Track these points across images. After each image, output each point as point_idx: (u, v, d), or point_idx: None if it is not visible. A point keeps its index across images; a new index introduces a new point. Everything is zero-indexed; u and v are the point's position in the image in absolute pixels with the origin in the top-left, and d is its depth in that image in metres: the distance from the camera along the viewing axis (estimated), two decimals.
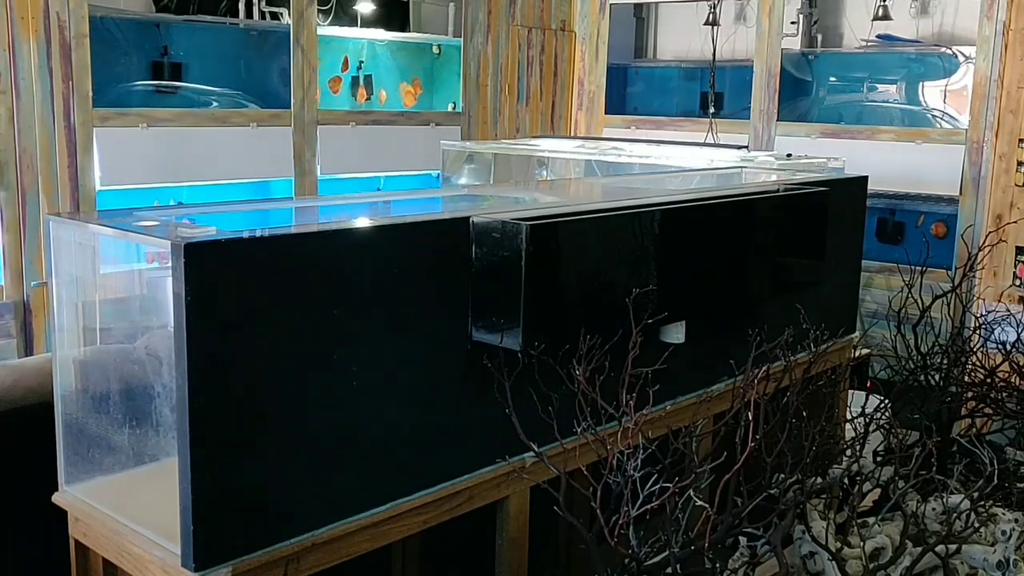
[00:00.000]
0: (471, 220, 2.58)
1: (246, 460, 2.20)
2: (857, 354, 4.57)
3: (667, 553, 2.47)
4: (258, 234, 2.18)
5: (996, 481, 2.99)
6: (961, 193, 6.20)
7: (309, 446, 2.31)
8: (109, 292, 2.53)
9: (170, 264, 2.04)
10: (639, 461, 2.38)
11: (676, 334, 3.12)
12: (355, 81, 7.71)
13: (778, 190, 3.61)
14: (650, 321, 2.63)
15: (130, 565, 2.36)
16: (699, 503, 2.45)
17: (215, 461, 2.13)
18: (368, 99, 7.66)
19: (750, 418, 2.45)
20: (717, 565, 2.57)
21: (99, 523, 2.43)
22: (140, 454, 2.47)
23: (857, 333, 4.34)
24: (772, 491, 2.64)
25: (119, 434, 2.47)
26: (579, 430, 2.51)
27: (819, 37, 9.15)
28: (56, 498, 2.56)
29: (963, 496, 3.01)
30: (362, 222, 2.54)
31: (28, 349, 5.06)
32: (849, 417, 3.41)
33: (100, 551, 2.47)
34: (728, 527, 2.56)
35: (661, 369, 2.62)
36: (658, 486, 2.35)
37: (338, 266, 2.33)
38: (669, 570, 2.47)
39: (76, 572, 2.55)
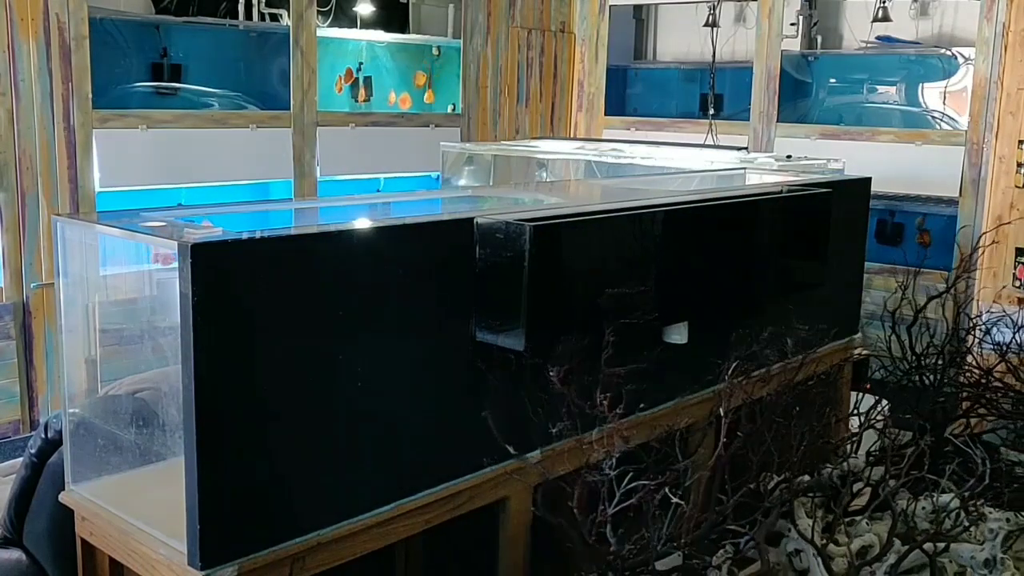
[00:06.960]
0: (475, 221, 2.59)
1: (252, 460, 2.21)
2: (853, 354, 4.58)
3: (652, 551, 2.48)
4: (265, 235, 2.19)
5: (987, 481, 3.00)
6: (961, 194, 6.21)
7: (314, 446, 2.32)
8: (116, 293, 2.54)
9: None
10: (614, 460, 2.38)
11: (679, 335, 3.13)
12: (355, 83, 7.71)
13: (781, 191, 3.62)
14: (650, 322, 2.64)
15: (137, 564, 2.37)
16: (675, 501, 2.45)
17: (221, 460, 2.14)
18: (367, 100, 7.66)
19: (738, 417, 2.46)
20: (704, 559, 2.59)
21: (106, 522, 2.44)
22: (147, 453, 2.48)
23: (859, 334, 4.36)
24: (753, 486, 2.65)
25: (126, 433, 2.49)
26: (554, 430, 2.52)
27: (819, 39, 9.15)
28: (63, 497, 2.57)
29: (953, 495, 3.01)
30: (368, 223, 2.54)
31: (27, 351, 5.07)
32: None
33: (107, 550, 2.48)
34: (712, 524, 2.57)
35: (663, 370, 2.63)
36: (646, 486, 2.36)
37: (344, 267, 2.34)
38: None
39: (83, 571, 2.56)
